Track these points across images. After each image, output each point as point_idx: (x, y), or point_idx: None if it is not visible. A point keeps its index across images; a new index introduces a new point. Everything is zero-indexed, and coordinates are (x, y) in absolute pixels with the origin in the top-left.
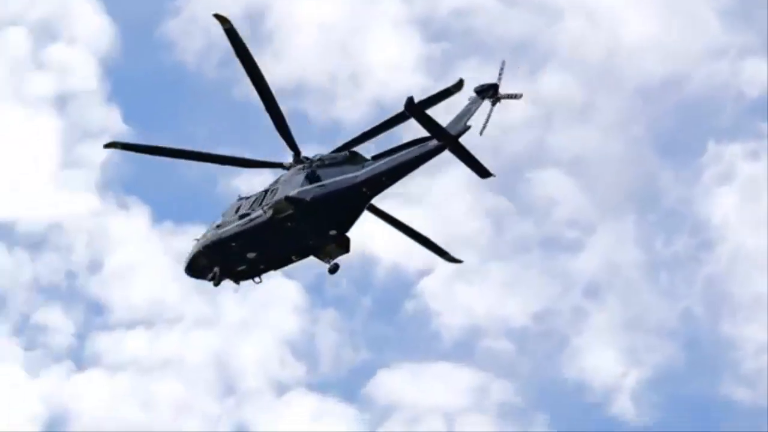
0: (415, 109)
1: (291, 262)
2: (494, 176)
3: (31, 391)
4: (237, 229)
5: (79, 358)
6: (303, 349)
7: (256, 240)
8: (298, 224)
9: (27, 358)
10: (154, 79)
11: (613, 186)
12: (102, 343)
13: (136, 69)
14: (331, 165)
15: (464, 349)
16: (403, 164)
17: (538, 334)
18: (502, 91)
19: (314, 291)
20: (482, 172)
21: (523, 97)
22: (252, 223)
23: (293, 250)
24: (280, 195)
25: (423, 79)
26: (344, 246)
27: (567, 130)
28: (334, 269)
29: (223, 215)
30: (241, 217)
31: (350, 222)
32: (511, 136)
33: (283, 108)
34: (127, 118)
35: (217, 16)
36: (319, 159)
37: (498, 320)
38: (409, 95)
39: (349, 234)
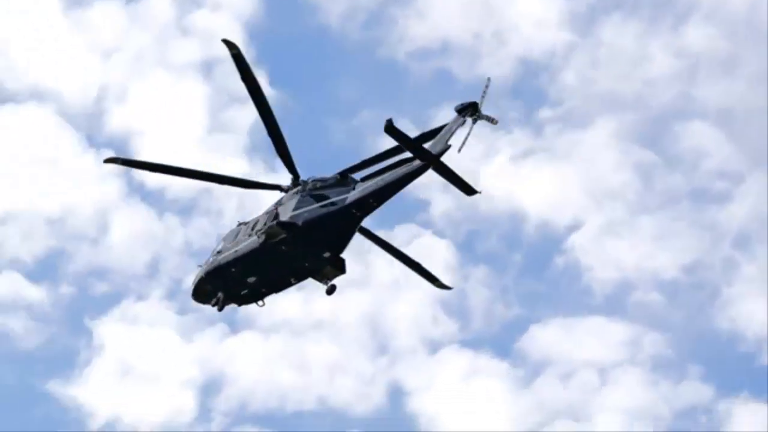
0: (395, 131)
1: (291, 284)
2: (479, 193)
3: (185, 355)
4: (235, 255)
5: (233, 322)
6: (455, 307)
7: (253, 265)
8: (292, 248)
9: (181, 323)
10: (298, 43)
11: (760, 136)
12: (255, 305)
13: (280, 33)
14: (323, 188)
15: (616, 303)
16: (389, 185)
17: (689, 285)
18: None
19: (465, 248)
20: (468, 190)
21: (499, 122)
22: (248, 249)
23: (291, 272)
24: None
25: (567, 35)
26: (340, 267)
27: (712, 81)
28: (331, 290)
29: (224, 240)
30: (239, 242)
31: (343, 243)
32: (656, 90)
33: (429, 67)
34: (273, 82)
35: (225, 42)
36: (313, 182)
37: (648, 273)
38: (388, 118)
39: (343, 255)
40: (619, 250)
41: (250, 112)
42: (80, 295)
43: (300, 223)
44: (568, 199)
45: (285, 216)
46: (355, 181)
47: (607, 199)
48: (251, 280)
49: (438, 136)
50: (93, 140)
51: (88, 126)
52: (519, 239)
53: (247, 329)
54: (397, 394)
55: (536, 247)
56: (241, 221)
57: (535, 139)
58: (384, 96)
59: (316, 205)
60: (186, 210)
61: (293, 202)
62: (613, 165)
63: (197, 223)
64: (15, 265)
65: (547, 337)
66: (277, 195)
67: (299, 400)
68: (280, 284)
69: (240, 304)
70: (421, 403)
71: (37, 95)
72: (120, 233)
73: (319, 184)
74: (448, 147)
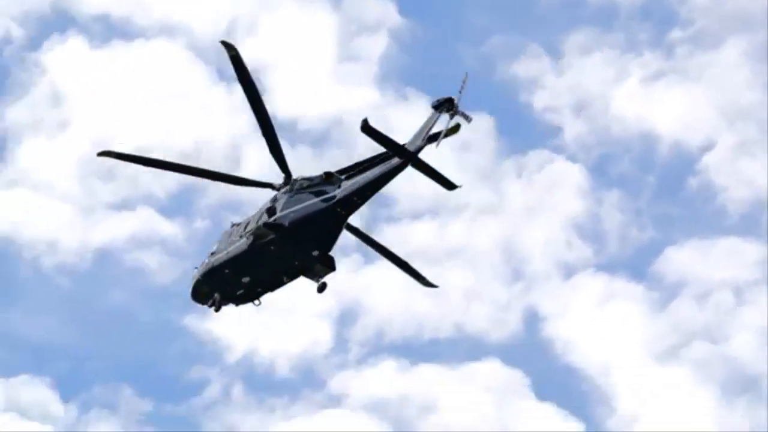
0: (371, 130)
1: (284, 283)
2: (460, 187)
3: None
4: (227, 257)
5: (367, 251)
6: (589, 231)
7: (245, 265)
8: (281, 248)
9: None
10: None
11: None
12: (389, 234)
13: None
14: (309, 187)
15: (750, 222)
16: (371, 183)
17: None
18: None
19: (598, 172)
20: (447, 185)
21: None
22: (239, 251)
23: (282, 271)
24: (262, 221)
25: None
26: (329, 265)
27: None
28: (322, 288)
29: (218, 242)
30: (231, 244)
31: (331, 242)
32: None
33: None
34: (402, 11)
35: (224, 43)
36: (300, 181)
37: None
38: (365, 117)
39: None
40: (752, 169)
41: (379, 42)
42: (214, 229)
43: (287, 223)
44: (700, 120)
45: (269, 219)
46: (340, 180)
47: (739, 118)
48: (245, 280)
49: (415, 134)
50: (223, 74)
51: (218, 59)
52: (652, 161)
53: (382, 259)
54: (532, 320)
55: (669, 169)
56: (234, 222)
57: (666, 60)
58: (514, 21)
59: (302, 205)
60: (318, 141)
61: (281, 203)
62: (744, 84)
63: (329, 154)
64: (149, 200)
65: (682, 259)
66: (269, 193)
67: (435, 328)
68: (273, 283)
69: (237, 304)
70: (557, 329)
71: (167, 30)
72: (252, 165)
73: (305, 184)
74: (425, 144)
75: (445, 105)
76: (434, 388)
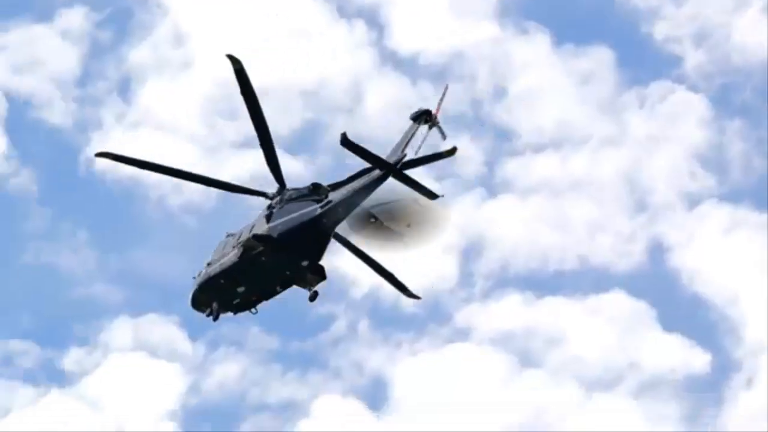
0: (350, 144)
1: (277, 292)
2: (442, 196)
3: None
4: (221, 268)
5: (490, 185)
6: (712, 161)
7: (238, 276)
8: (271, 259)
9: (439, 188)
10: None
11: None
12: (512, 168)
13: None
14: (297, 199)
15: None
16: (354, 194)
17: None
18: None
19: (719, 102)
20: (429, 195)
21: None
22: (231, 262)
23: (275, 281)
24: (254, 232)
25: None
26: (320, 274)
27: None
28: (313, 297)
29: (214, 252)
30: (225, 255)
31: (319, 252)
32: None
33: None
34: None
35: (230, 57)
36: (289, 192)
37: None
38: (343, 131)
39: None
40: None
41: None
42: (337, 167)
43: (275, 235)
44: None
45: (262, 228)
46: (327, 191)
47: None
48: (240, 290)
49: (395, 145)
50: (344, 11)
51: None
52: None
53: (505, 192)
54: (657, 251)
55: None
56: (230, 232)
57: None
58: None
59: (289, 217)
60: (438, 76)
61: (274, 212)
62: None
63: (451, 88)
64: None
65: None
66: (263, 201)
67: (560, 260)
68: (267, 293)
69: (235, 313)
70: (682, 259)
71: None
72: (374, 102)
73: (294, 195)
74: (404, 155)
75: (423, 117)
76: (560, 320)
